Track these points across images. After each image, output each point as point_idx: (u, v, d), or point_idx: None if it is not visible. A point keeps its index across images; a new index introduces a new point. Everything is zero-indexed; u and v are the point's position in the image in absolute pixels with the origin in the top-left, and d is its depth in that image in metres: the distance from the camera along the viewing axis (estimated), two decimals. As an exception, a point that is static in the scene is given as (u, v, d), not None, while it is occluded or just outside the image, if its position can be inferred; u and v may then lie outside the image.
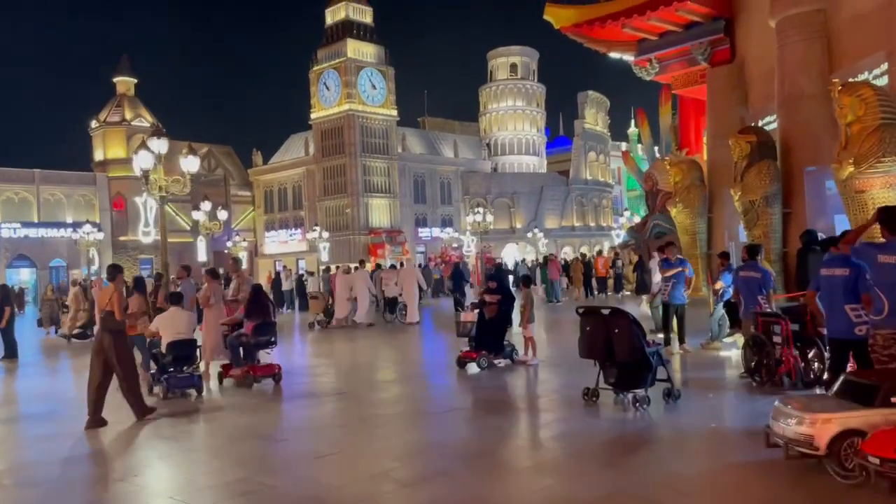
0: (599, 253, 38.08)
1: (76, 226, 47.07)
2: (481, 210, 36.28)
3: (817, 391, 7.62)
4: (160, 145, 13.88)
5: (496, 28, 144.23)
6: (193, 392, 9.84)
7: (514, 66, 70.12)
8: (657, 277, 16.23)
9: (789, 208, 11.80)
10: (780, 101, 11.91)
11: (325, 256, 49.26)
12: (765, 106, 13.48)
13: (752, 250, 10.29)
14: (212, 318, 11.40)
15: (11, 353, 14.94)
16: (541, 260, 39.16)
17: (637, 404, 7.59)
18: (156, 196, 14.46)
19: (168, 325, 10.16)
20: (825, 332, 6.74)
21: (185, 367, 9.92)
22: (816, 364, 8.35)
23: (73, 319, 18.60)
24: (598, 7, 15.06)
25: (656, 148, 35.62)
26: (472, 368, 10.97)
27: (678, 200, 14.84)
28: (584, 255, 33.59)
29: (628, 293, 26.71)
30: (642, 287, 29.65)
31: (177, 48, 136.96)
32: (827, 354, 7.59)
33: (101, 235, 38.91)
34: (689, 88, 16.08)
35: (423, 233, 61.70)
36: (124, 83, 55.34)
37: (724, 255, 12.34)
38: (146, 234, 43.16)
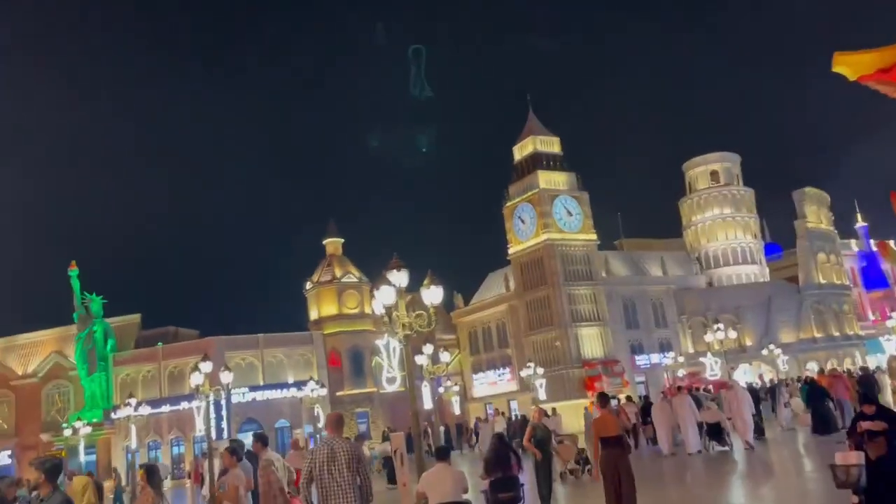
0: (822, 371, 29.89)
1: (298, 385, 48.32)
2: (721, 327, 31.82)
3: None
4: (400, 277, 12.48)
5: (683, 139, 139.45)
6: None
7: (714, 174, 65.96)
8: None
9: None
10: None
11: (542, 394, 46.14)
12: None
13: None
14: None
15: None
16: (791, 377, 33.34)
17: None
18: (400, 336, 12.84)
19: (435, 485, 8.44)
20: None
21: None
22: None
23: None
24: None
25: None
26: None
27: None
28: (865, 369, 27.63)
29: None
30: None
31: (373, 205, 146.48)
32: None
33: (324, 391, 38.91)
34: None
35: (641, 360, 56.70)
36: (332, 244, 58.25)
37: None
38: (391, 380, 43.32)
